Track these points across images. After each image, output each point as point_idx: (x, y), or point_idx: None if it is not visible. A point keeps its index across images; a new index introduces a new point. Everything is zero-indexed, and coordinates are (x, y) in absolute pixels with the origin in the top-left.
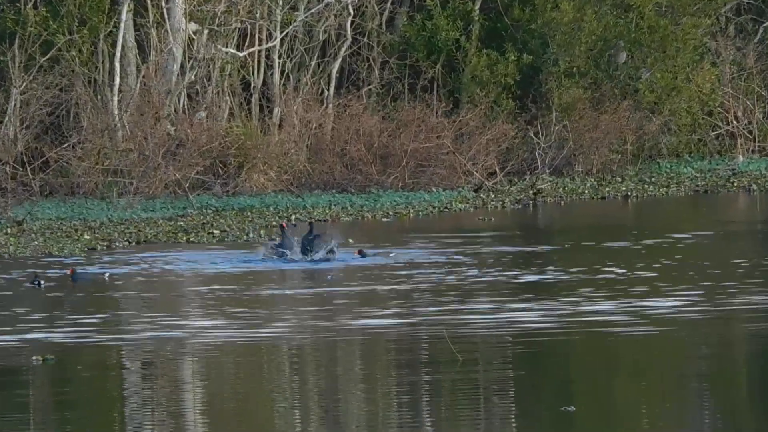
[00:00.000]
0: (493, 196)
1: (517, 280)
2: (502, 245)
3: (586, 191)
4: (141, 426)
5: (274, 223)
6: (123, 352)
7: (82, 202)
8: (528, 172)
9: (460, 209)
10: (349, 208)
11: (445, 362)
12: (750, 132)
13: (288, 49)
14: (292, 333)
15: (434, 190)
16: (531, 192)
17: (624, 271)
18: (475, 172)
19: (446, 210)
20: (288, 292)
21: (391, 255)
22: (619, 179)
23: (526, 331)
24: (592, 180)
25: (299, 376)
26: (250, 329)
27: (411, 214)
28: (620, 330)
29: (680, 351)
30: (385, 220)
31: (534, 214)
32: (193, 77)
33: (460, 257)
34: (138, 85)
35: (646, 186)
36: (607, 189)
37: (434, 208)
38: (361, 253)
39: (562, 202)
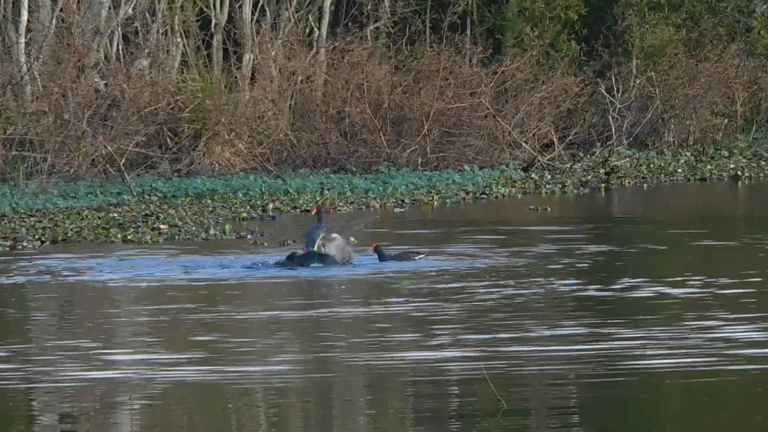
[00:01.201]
0: (549, 176)
1: (585, 294)
2: (564, 245)
3: (680, 170)
4: None
5: (244, 214)
6: (34, 398)
7: None
8: (598, 144)
9: (504, 195)
10: (349, 193)
11: (483, 411)
12: None
13: None
14: (272, 372)
15: (467, 168)
16: (602, 171)
17: (739, 281)
18: (524, 144)
19: (484, 196)
20: (270, 313)
21: (418, 258)
22: (726, 153)
23: (600, 368)
24: (688, 154)
25: None
26: (213, 366)
27: (435, 203)
28: (738, 369)
29: None
30: (398, 210)
31: (607, 202)
32: (130, 11)
33: (506, 262)
34: (53, 21)
35: (762, 163)
36: (708, 167)
37: (468, 193)
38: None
39: (646, 186)
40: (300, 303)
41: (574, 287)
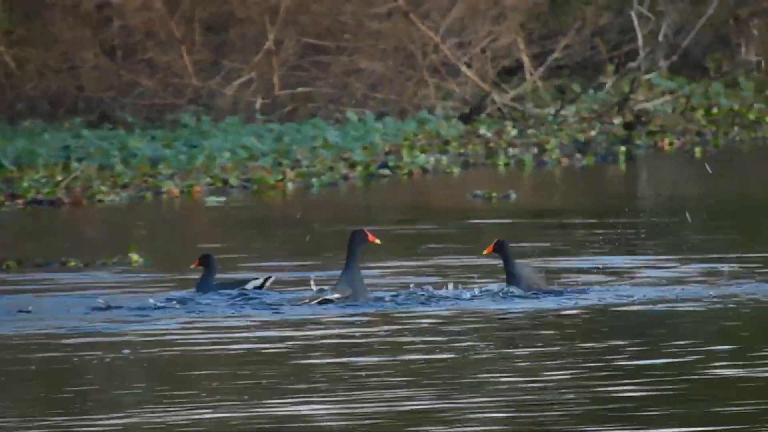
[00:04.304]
0: (513, 132)
1: (626, 364)
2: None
3: None
4: None
5: None
6: None
7: None
8: (611, 67)
9: (424, 169)
10: (120, 167)
11: None
12: None
13: None
14: None
15: (353, 117)
16: (619, 121)
17: None
18: (464, 68)
19: (386, 172)
20: None
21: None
22: None
23: None
24: None
25: None
26: None
27: (289, 185)
28: None
29: None
30: (215, 200)
31: (628, 183)
32: None
33: (440, 315)
34: None
35: None
36: None
37: (353, 166)
38: (499, 248)
39: (700, 150)
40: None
41: (603, 351)
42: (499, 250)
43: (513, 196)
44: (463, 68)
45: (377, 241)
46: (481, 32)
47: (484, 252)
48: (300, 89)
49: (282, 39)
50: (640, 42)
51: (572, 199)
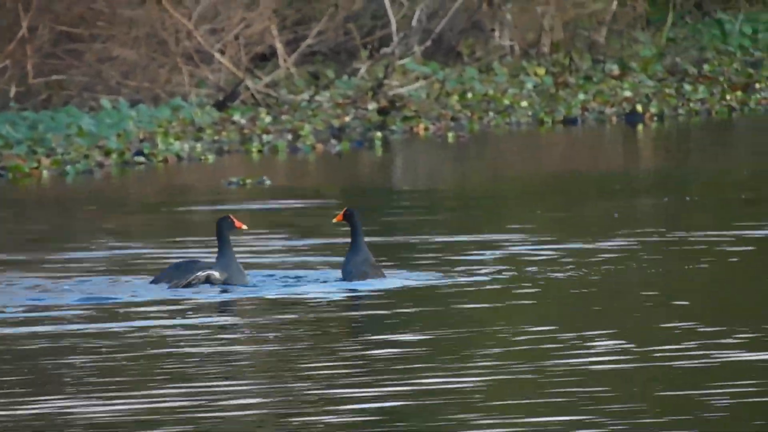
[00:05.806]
0: (267, 119)
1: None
2: (301, 256)
3: (525, 104)
4: None
5: None
6: None
7: None
8: (365, 53)
9: (179, 156)
10: None
11: None
12: None
13: None
14: None
15: (107, 104)
16: (374, 107)
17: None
18: (218, 56)
19: (141, 159)
20: None
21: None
22: (615, 69)
23: None
24: (541, 72)
25: None
26: None
27: (44, 173)
28: None
29: None
30: None
31: (382, 169)
32: None
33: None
34: None
35: (687, 87)
36: (581, 97)
37: (108, 154)
38: (349, 218)
39: (454, 135)
40: None
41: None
42: (349, 219)
43: (267, 182)
44: (217, 55)
45: (244, 226)
46: (235, 19)
47: (334, 220)
48: (54, 77)
49: (36, 26)
50: (394, 27)
51: (326, 184)
